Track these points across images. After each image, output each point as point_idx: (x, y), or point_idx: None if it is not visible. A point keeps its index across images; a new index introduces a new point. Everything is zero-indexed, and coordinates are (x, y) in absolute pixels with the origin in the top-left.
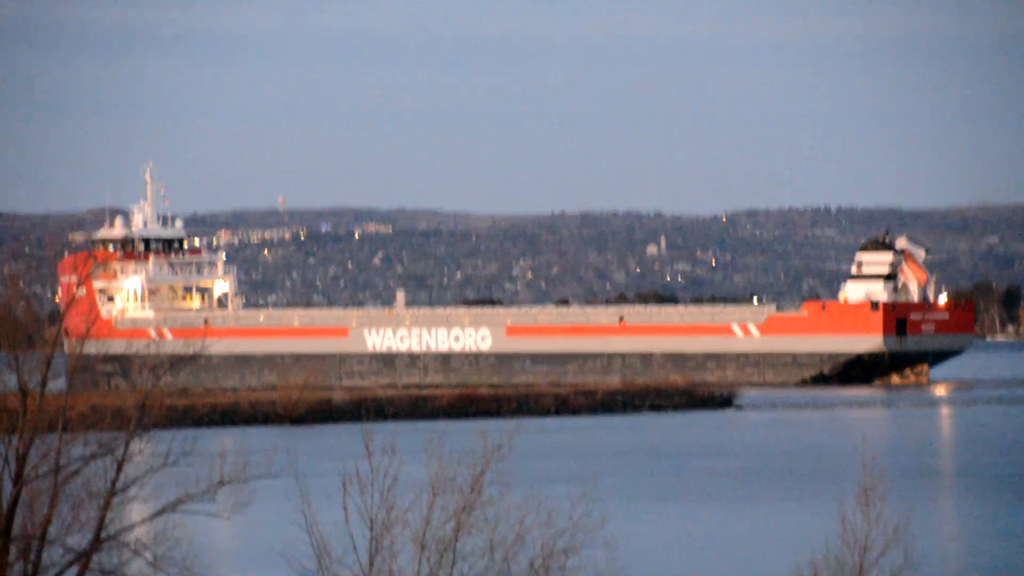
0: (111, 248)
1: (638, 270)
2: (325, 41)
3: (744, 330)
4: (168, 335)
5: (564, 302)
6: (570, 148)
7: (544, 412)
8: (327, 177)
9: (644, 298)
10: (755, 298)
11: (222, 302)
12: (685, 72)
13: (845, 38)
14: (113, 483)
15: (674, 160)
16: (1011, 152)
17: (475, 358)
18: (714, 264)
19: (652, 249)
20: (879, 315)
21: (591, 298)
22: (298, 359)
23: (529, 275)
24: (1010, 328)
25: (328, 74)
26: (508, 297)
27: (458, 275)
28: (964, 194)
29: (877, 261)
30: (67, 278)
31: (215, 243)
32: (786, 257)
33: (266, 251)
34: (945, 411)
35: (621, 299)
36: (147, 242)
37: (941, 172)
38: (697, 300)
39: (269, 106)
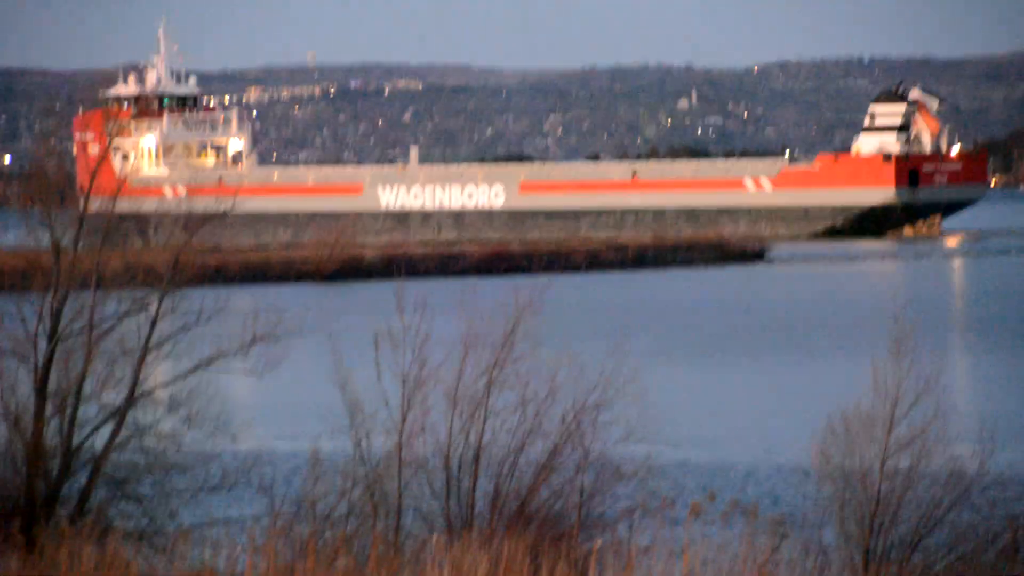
0: (124, 105)
1: (670, 123)
2: None
3: (756, 184)
4: (182, 192)
5: (595, 157)
6: (600, 2)
7: (575, 268)
8: (357, 33)
9: (676, 152)
10: (787, 151)
11: (236, 159)
12: None
13: None
14: (147, 340)
15: (704, 11)
16: None
17: (488, 215)
18: (746, 117)
19: (683, 103)
20: (891, 167)
21: (622, 153)
22: (312, 217)
23: (559, 131)
24: None
25: None
26: (539, 153)
27: (489, 131)
28: (1000, 42)
29: (890, 112)
30: (81, 135)
31: (245, 99)
32: (818, 109)
33: (296, 108)
34: (958, 263)
35: (652, 153)
36: (160, 99)
37: (976, 20)
38: (729, 153)
39: None
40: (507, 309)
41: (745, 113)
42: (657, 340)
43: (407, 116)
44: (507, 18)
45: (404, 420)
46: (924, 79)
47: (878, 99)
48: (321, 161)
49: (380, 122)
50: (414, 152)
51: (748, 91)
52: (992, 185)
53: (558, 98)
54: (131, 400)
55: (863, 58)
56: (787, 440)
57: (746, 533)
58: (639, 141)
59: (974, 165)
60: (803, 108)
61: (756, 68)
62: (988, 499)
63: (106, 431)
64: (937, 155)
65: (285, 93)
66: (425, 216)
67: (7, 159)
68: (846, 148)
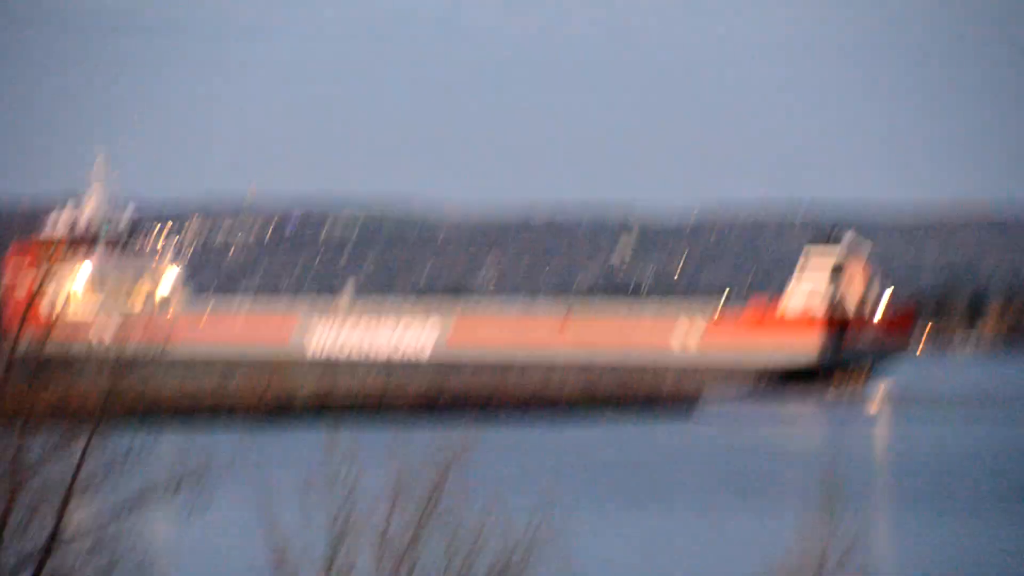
0: (58, 242)
1: (606, 265)
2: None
3: (688, 329)
4: (111, 332)
5: (534, 293)
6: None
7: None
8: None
9: (611, 290)
10: (724, 293)
11: (168, 300)
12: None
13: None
14: (71, 482)
15: (645, 155)
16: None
17: (413, 365)
18: (683, 258)
19: (623, 244)
20: (818, 322)
21: (562, 290)
22: (240, 363)
23: (498, 269)
24: (971, 333)
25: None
26: (479, 287)
27: (429, 265)
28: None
29: (823, 257)
30: (13, 271)
31: (186, 226)
32: (757, 250)
33: (237, 237)
34: (877, 428)
35: (590, 292)
36: (96, 235)
37: (910, 171)
38: (666, 294)
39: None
40: (435, 460)
41: (680, 256)
42: (589, 489)
43: (345, 253)
44: (453, 153)
45: (330, 569)
46: (859, 226)
47: (813, 241)
48: (260, 291)
49: (321, 257)
50: (349, 285)
51: (683, 233)
52: (920, 342)
53: (496, 238)
54: (52, 545)
55: (801, 200)
56: None
57: None
58: (577, 282)
59: (901, 324)
60: (741, 249)
61: (694, 211)
62: None
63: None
64: (862, 314)
65: (227, 222)
66: (352, 366)
67: None
68: (782, 289)
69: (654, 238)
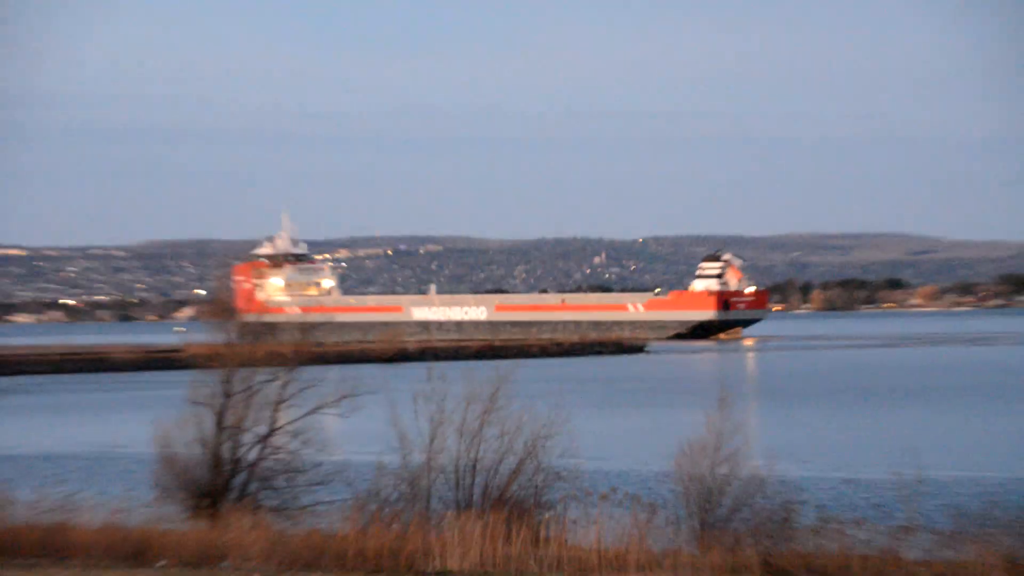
0: (264, 260)
1: (588, 271)
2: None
3: (635, 307)
4: (297, 311)
5: (544, 291)
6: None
7: (533, 355)
8: (408, 208)
9: (591, 288)
10: (655, 289)
11: (329, 292)
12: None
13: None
14: (279, 397)
15: (611, 196)
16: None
17: (476, 324)
18: (632, 269)
19: (597, 260)
20: (713, 298)
21: (560, 288)
22: (374, 325)
23: (523, 275)
24: (803, 306)
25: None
26: (512, 288)
27: (481, 275)
28: (770, 225)
29: (712, 266)
30: (239, 277)
31: (335, 255)
32: (675, 263)
33: (367, 261)
34: (752, 354)
35: (577, 289)
36: (285, 256)
37: (767, 207)
38: (623, 289)
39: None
40: (491, 382)
41: (632, 266)
42: (583, 396)
43: (433, 266)
44: (492, 196)
45: (431, 443)
46: (734, 247)
47: (705, 259)
48: (381, 293)
49: (417, 269)
50: (432, 287)
51: (636, 252)
52: (772, 310)
53: (522, 256)
54: (271, 432)
55: (700, 234)
56: (660, 457)
57: (633, 510)
58: (570, 282)
59: (761, 298)
60: (666, 263)
61: (640, 239)
62: (773, 492)
63: (256, 450)
64: (740, 292)
65: (361, 252)
66: (440, 324)
67: (202, 292)
68: (687, 287)
69: (617, 255)
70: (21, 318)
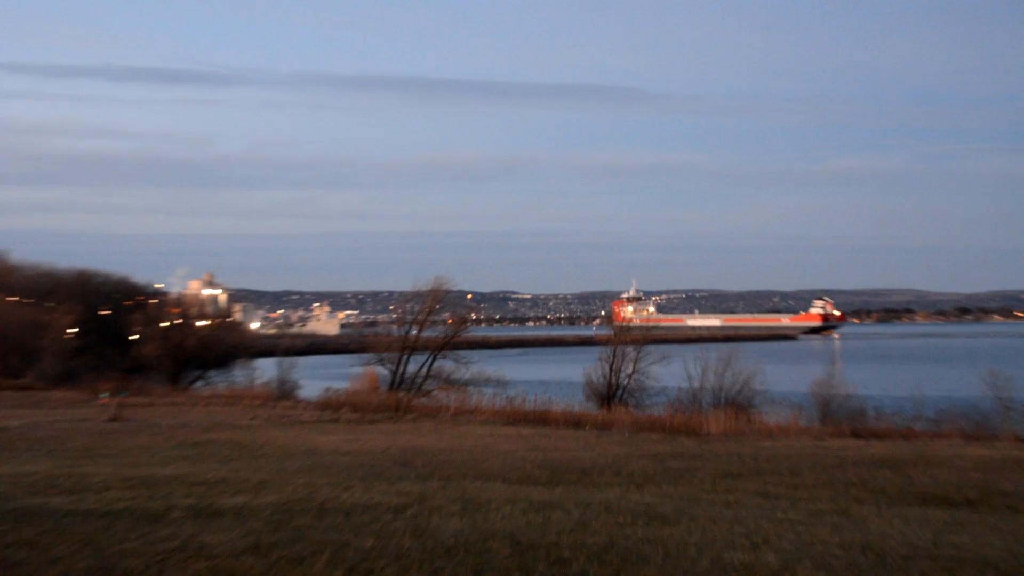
0: (624, 299)
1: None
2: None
3: (785, 320)
4: (639, 321)
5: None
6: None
7: (741, 340)
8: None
9: (766, 311)
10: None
11: (652, 313)
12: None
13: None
14: (635, 356)
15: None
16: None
17: (712, 328)
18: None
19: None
20: (819, 316)
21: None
22: (670, 328)
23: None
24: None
25: None
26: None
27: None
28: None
29: (819, 302)
30: (619, 307)
31: (652, 299)
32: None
33: (672, 299)
34: (838, 342)
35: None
36: (633, 297)
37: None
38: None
39: None
40: (724, 352)
41: (792, 301)
42: (769, 358)
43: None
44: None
45: (702, 376)
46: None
47: (815, 299)
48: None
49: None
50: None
51: (801, 297)
52: (851, 322)
53: (739, 298)
54: (632, 372)
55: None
56: (804, 385)
57: (792, 409)
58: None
59: (841, 316)
60: (805, 302)
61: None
62: (856, 401)
63: (625, 379)
64: (831, 314)
65: (669, 296)
66: (700, 327)
67: (603, 313)
68: (808, 311)
69: (785, 297)
70: None
